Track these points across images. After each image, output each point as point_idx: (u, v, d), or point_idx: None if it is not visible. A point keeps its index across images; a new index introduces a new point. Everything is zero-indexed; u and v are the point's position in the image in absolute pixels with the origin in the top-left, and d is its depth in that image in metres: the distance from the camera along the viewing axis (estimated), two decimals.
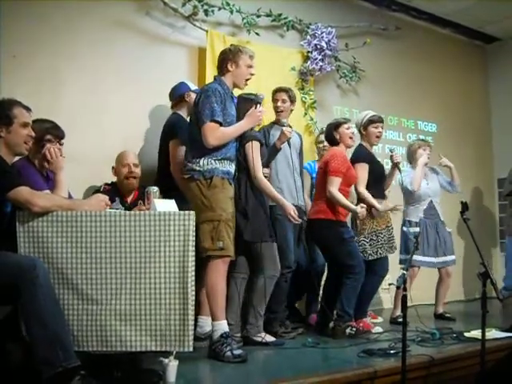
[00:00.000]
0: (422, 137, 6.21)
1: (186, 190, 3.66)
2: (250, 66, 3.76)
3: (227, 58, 3.71)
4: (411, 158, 5.40)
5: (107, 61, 4.57)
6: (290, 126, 4.43)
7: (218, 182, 3.54)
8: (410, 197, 5.22)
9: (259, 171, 3.89)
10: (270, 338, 3.95)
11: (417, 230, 5.00)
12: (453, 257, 5.25)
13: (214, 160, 3.54)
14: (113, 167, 4.21)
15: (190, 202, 3.59)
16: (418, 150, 5.30)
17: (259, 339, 3.91)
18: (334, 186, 4.30)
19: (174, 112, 4.38)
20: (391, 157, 4.90)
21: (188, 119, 4.15)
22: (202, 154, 3.55)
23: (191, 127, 3.71)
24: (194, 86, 4.41)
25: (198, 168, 3.54)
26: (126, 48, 4.70)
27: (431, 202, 5.22)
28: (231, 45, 3.92)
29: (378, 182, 4.77)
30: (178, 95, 4.39)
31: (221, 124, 3.53)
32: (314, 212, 4.43)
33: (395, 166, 4.89)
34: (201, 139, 3.52)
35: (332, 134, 4.52)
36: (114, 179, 4.22)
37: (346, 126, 4.53)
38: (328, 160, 4.37)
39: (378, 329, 4.54)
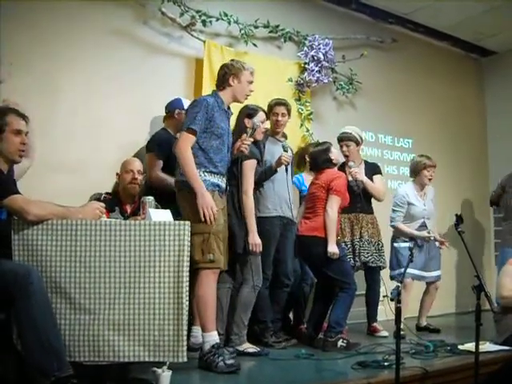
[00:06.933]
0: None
1: (177, 201, 3.62)
2: (251, 82, 3.78)
3: (230, 73, 3.70)
4: (414, 173, 5.30)
5: (104, 69, 4.58)
6: (286, 150, 4.33)
7: None
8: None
9: (250, 189, 3.90)
10: (253, 349, 3.94)
11: (407, 244, 4.91)
12: (437, 272, 5.21)
13: (204, 172, 3.51)
14: (117, 174, 4.20)
15: (182, 214, 3.57)
16: (423, 170, 5.18)
17: (244, 349, 3.91)
18: (335, 206, 4.28)
19: (163, 128, 4.43)
20: (350, 173, 4.82)
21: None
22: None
23: None
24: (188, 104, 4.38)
25: (187, 180, 3.48)
26: (123, 57, 4.71)
27: (424, 222, 5.16)
28: (233, 60, 3.89)
29: None
30: (170, 108, 4.45)
31: (195, 133, 3.48)
32: (308, 229, 4.34)
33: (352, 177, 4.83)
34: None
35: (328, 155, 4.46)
36: (112, 188, 4.22)
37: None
38: (333, 179, 4.32)
39: (384, 333, 4.77)
